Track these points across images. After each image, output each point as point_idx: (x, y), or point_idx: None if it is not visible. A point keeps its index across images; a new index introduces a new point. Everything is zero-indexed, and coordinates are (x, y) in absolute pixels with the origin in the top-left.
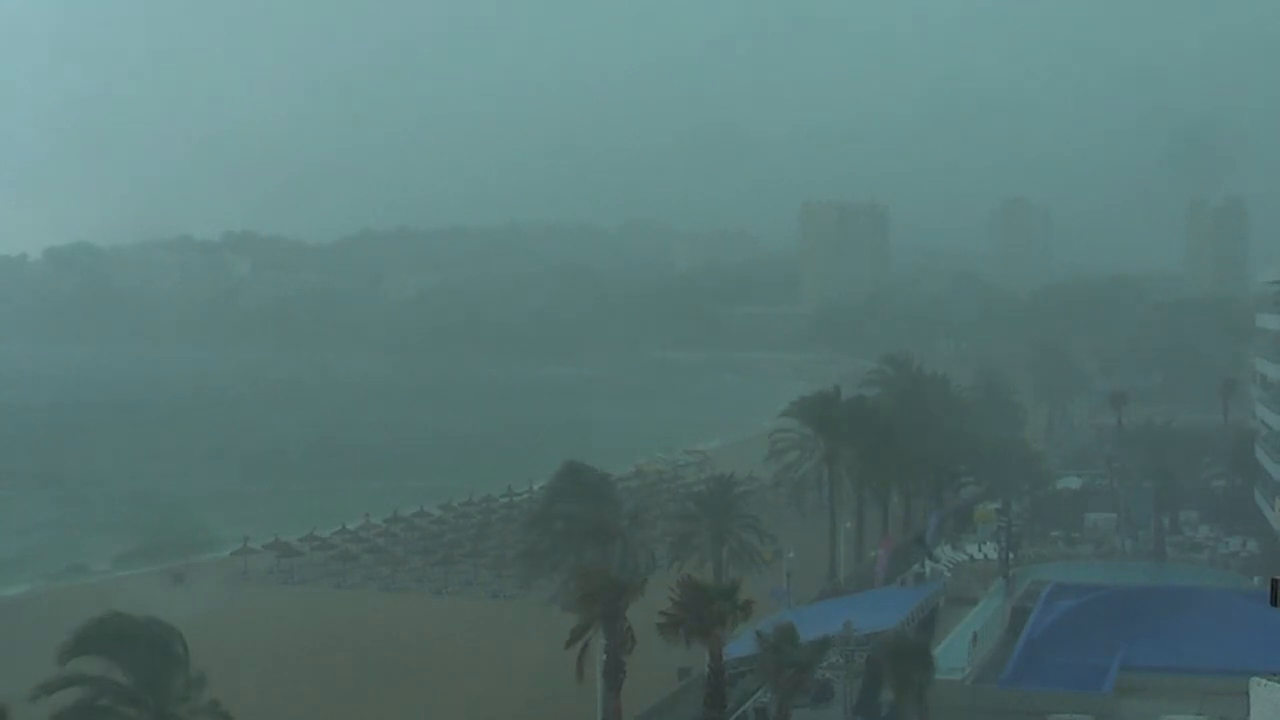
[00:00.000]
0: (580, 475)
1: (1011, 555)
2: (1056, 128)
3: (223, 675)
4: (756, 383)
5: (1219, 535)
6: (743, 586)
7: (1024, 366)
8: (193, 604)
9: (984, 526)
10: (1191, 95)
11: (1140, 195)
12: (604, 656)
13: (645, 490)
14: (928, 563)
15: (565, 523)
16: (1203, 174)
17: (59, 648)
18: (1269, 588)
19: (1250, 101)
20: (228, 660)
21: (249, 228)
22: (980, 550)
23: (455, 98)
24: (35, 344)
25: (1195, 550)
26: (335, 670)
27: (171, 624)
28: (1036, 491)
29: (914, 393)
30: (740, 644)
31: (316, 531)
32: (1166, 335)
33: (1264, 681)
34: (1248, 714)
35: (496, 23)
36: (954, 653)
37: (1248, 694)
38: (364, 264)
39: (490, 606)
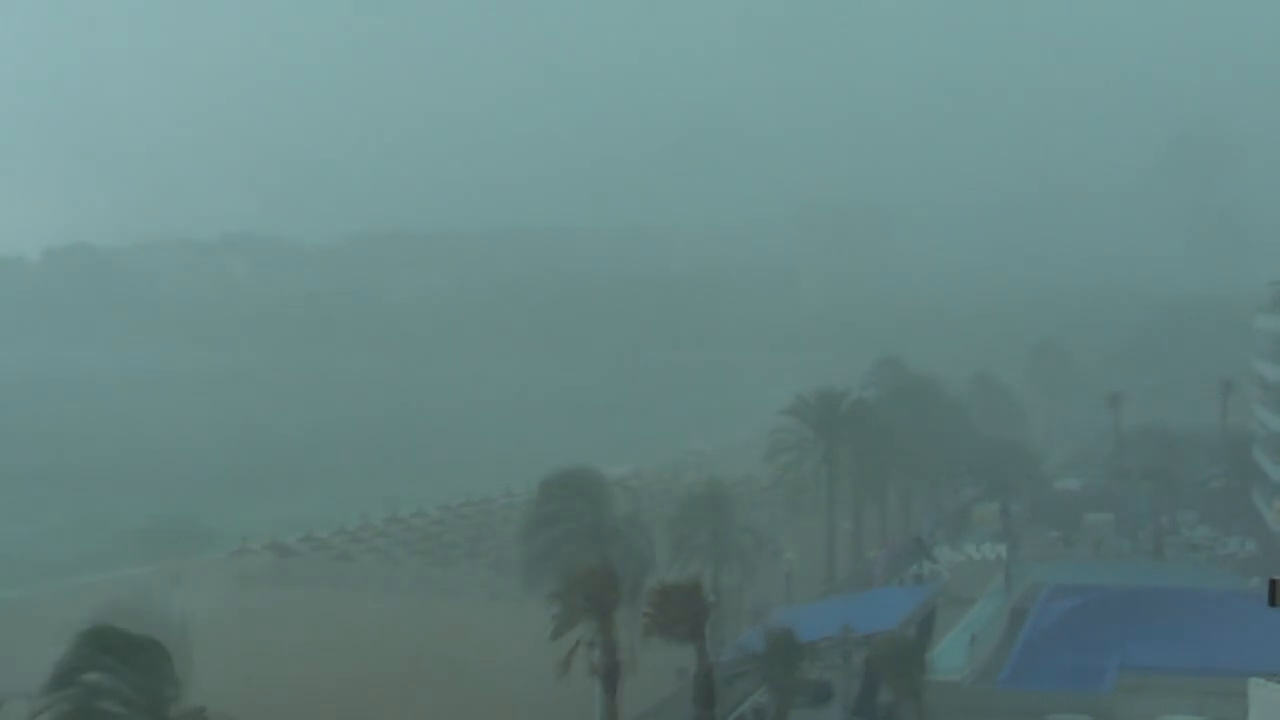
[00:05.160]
0: (572, 480)
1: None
2: (1056, 127)
3: (220, 676)
4: (755, 383)
5: (1217, 535)
6: (732, 589)
7: (1023, 367)
8: (191, 605)
9: (982, 527)
10: (1191, 95)
11: (1140, 195)
12: (601, 658)
13: (644, 491)
14: (926, 563)
15: (562, 526)
16: (1202, 174)
17: (57, 654)
18: (1267, 588)
19: (1250, 102)
20: (224, 661)
21: (248, 228)
22: (979, 550)
23: (456, 99)
24: (33, 344)
25: (1193, 550)
26: (333, 671)
27: (160, 635)
28: (1035, 492)
29: (912, 393)
30: (739, 645)
31: (315, 532)
32: (1165, 335)
33: (1263, 682)
34: (1246, 714)
35: (496, 23)
36: (953, 653)
37: (1246, 694)
38: (364, 265)
39: (489, 607)
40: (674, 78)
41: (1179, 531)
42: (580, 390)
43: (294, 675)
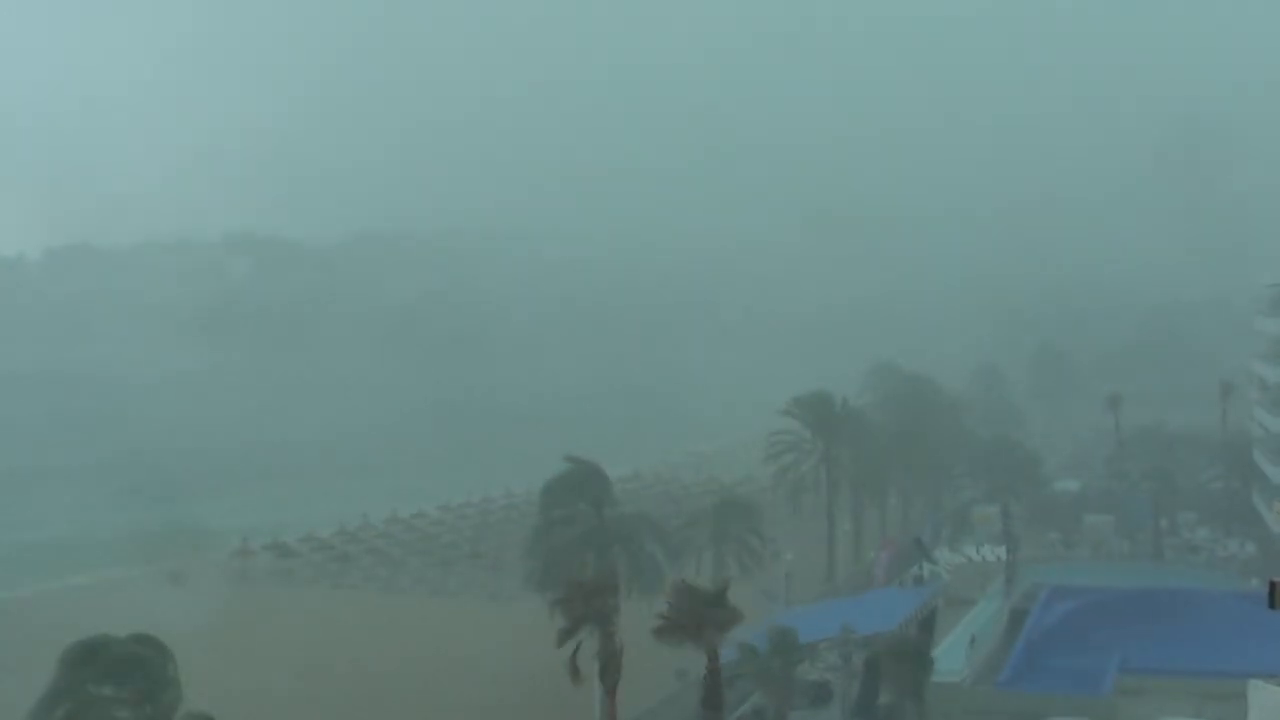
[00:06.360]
0: (579, 475)
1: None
2: (1056, 130)
3: (220, 680)
4: (755, 384)
5: (1217, 537)
6: (734, 588)
7: (1023, 368)
8: (191, 606)
9: (982, 528)
10: (1191, 94)
11: (1139, 197)
12: (601, 659)
13: (643, 492)
14: (926, 564)
15: (566, 527)
16: (1202, 175)
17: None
18: (1267, 590)
19: (1250, 102)
20: (224, 664)
21: (249, 228)
22: (978, 552)
23: (457, 100)
24: (33, 345)
25: (1193, 552)
26: (333, 671)
27: (160, 639)
28: (1035, 493)
29: (911, 395)
30: (738, 646)
31: (315, 532)
32: (1165, 337)
33: (1262, 684)
34: (1246, 716)
35: (500, 25)
36: (952, 655)
37: (1246, 696)
38: (364, 265)
39: (489, 608)
40: (679, 81)
41: (1179, 533)
42: (580, 391)
43: (294, 676)
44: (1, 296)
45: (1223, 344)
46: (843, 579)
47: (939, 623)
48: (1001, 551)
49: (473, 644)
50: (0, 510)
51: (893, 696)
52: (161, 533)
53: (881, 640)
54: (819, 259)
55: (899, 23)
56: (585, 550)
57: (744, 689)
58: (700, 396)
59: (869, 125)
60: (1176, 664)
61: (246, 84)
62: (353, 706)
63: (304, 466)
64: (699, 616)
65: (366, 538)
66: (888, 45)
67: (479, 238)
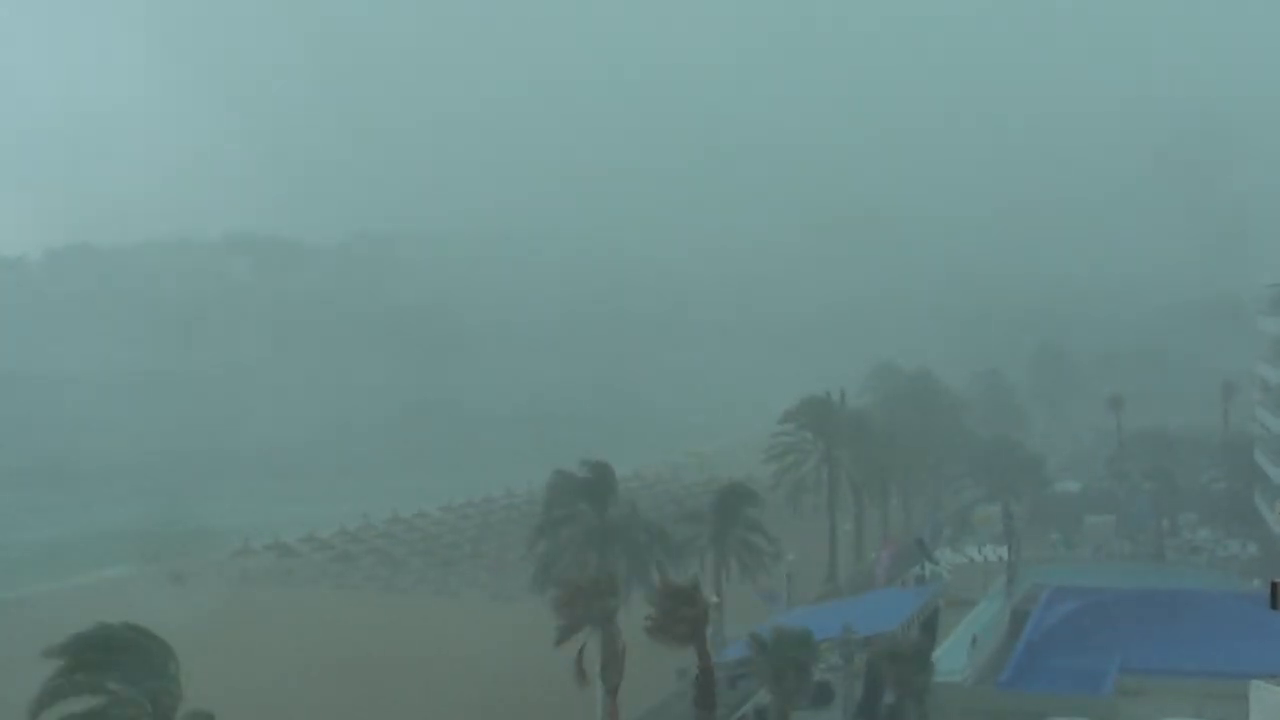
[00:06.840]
0: (584, 475)
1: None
2: (1055, 127)
3: (221, 679)
4: (756, 384)
5: (1219, 538)
6: (736, 589)
7: (1022, 368)
8: (192, 606)
9: (983, 529)
10: (1191, 94)
11: (1140, 197)
12: (602, 659)
13: (644, 492)
14: (927, 565)
15: (571, 527)
16: (1202, 175)
17: (50, 650)
18: (1269, 590)
19: (1250, 102)
20: (225, 663)
21: (249, 228)
22: (980, 552)
23: (458, 100)
24: (34, 345)
25: (1195, 553)
26: (335, 672)
27: (160, 635)
28: (1036, 494)
29: (913, 395)
30: (742, 645)
31: (316, 532)
32: (1167, 337)
33: (1264, 684)
34: (1247, 717)
35: (501, 25)
36: (954, 655)
37: (1248, 697)
38: (364, 265)
39: (491, 608)
40: (678, 81)
41: (1180, 534)
42: (580, 390)
43: (296, 675)
44: (1, 296)
45: (1224, 345)
46: (844, 579)
47: (940, 623)
48: (1003, 552)
49: (474, 644)
50: (0, 510)
51: (894, 697)
52: (162, 533)
53: (883, 641)
54: (819, 259)
55: (899, 23)
56: (587, 550)
57: (747, 688)
58: (701, 396)
59: (869, 126)
60: (1178, 664)
61: (246, 85)
62: (354, 706)
63: (304, 466)
64: (674, 615)
65: (368, 538)
66: (888, 46)
67: (479, 238)
